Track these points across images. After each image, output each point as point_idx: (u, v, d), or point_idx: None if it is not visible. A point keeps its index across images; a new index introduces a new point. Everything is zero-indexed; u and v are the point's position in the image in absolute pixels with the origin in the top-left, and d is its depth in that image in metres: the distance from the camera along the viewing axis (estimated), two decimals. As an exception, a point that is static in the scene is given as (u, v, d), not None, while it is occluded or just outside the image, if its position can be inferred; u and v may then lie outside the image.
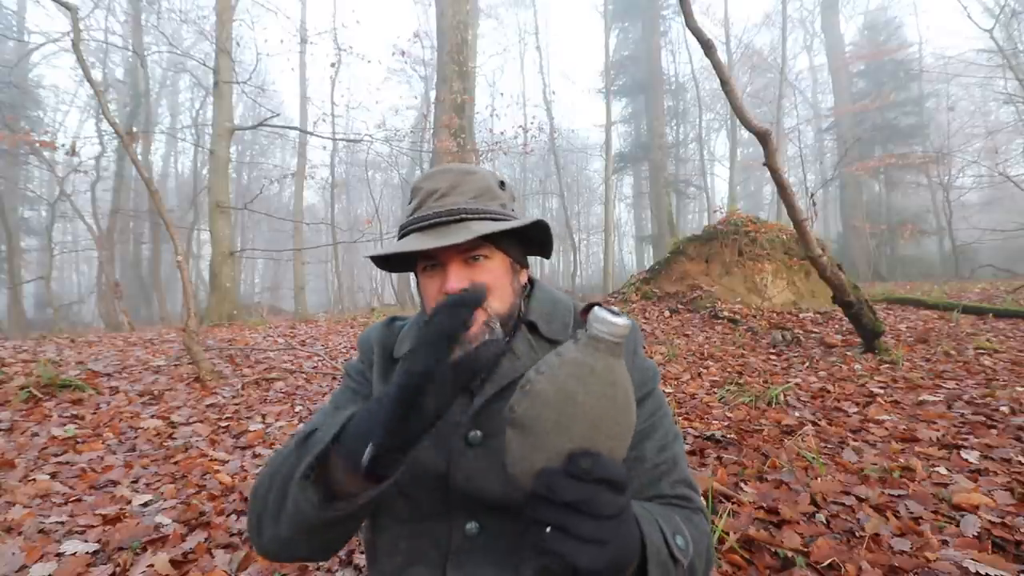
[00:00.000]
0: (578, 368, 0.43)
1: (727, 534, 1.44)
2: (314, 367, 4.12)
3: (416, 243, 0.67)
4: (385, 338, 0.84)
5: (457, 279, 0.69)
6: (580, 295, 14.06)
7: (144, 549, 1.51)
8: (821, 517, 1.54)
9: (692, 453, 2.12)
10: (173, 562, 1.43)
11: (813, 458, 1.95)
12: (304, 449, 0.57)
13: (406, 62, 16.70)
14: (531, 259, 0.85)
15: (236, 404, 3.18)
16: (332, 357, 4.46)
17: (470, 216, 0.69)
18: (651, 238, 18.94)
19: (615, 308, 0.45)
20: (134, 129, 12.41)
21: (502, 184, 0.77)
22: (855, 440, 2.17)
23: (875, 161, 15.68)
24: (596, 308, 0.45)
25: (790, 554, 1.36)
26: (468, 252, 0.70)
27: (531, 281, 0.83)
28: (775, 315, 5.72)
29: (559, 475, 0.43)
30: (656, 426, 0.75)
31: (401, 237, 0.73)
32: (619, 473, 0.44)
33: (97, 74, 14.98)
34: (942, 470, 1.81)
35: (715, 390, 3.15)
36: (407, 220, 0.73)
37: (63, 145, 9.82)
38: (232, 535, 1.61)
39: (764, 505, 1.64)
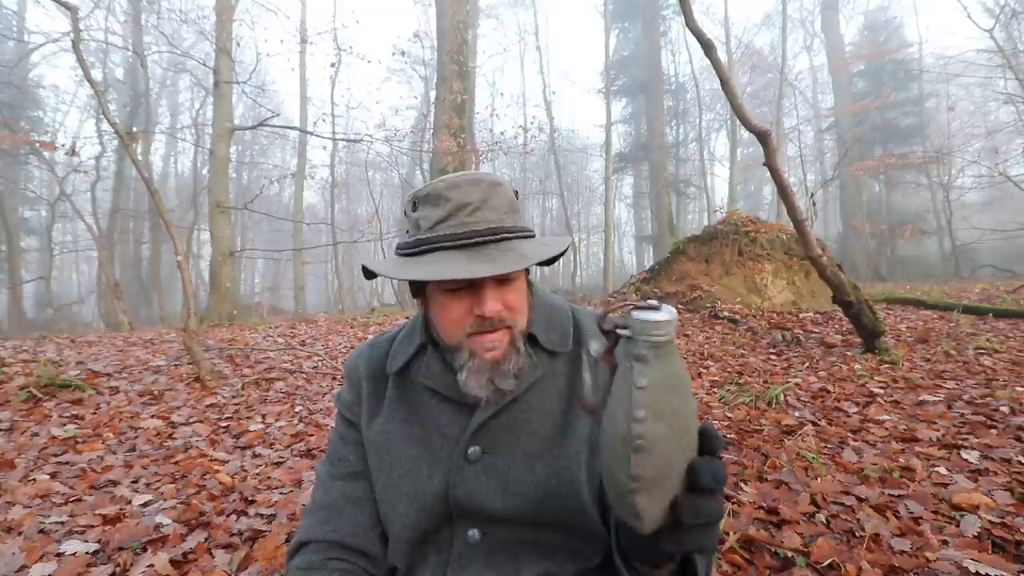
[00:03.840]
0: (664, 378, 0.41)
1: (727, 534, 1.44)
2: (314, 367, 4.12)
3: (463, 267, 0.62)
4: (372, 358, 0.81)
5: (495, 303, 0.65)
6: (580, 295, 14.05)
7: (144, 549, 1.51)
8: (821, 517, 1.54)
9: (692, 453, 2.12)
10: (173, 562, 1.43)
11: (813, 458, 1.95)
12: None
13: (406, 62, 16.70)
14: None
15: (236, 404, 3.18)
16: (332, 357, 4.46)
17: (511, 236, 0.66)
18: (651, 238, 18.94)
19: (652, 302, 0.42)
20: (134, 129, 12.42)
21: (516, 193, 0.74)
22: (855, 440, 2.17)
23: (875, 161, 15.66)
24: (638, 312, 0.41)
25: (790, 554, 1.36)
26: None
27: (530, 287, 0.79)
28: (775, 315, 5.72)
29: (703, 497, 0.42)
30: None
31: (424, 250, 0.66)
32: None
33: (97, 74, 14.98)
34: (942, 470, 1.81)
35: (715, 390, 3.15)
36: (436, 233, 0.65)
37: (63, 145, 9.83)
38: (232, 535, 1.61)
39: (764, 505, 1.64)
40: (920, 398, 2.69)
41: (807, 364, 3.68)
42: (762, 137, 3.56)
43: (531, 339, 0.75)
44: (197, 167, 18.62)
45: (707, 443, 0.43)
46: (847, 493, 1.68)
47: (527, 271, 0.73)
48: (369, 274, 0.69)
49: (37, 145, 10.99)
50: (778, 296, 6.42)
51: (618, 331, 0.43)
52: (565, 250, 0.68)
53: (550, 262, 0.74)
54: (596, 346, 0.48)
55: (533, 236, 0.70)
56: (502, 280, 0.67)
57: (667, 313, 0.40)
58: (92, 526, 1.64)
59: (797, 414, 2.57)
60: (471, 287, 0.66)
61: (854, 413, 2.53)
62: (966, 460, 1.89)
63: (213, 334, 6.01)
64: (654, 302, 0.42)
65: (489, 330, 0.67)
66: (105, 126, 13.92)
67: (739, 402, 2.80)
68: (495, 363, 0.68)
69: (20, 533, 1.59)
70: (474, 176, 0.69)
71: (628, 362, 0.42)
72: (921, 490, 1.67)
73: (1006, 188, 13.24)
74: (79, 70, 4.30)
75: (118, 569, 1.41)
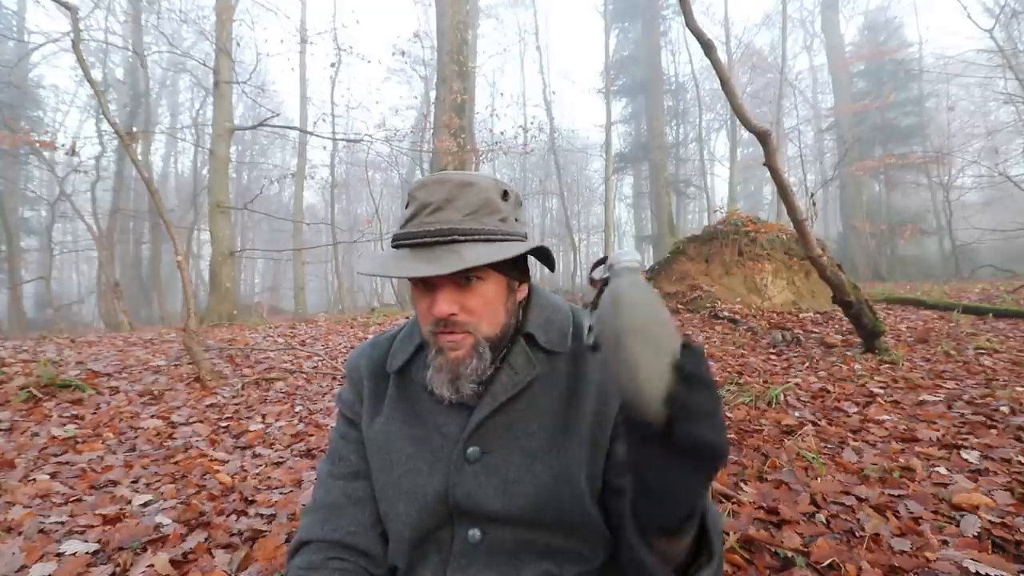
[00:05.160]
0: (637, 283, 0.49)
1: (727, 534, 1.44)
2: (314, 367, 4.12)
3: (403, 266, 0.65)
4: (373, 357, 0.82)
5: (447, 304, 0.66)
6: (580, 295, 14.05)
7: (144, 549, 1.51)
8: (821, 517, 1.54)
9: (692, 453, 2.12)
10: (173, 562, 1.43)
11: (813, 458, 1.95)
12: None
13: (406, 62, 16.72)
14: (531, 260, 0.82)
15: (236, 404, 3.18)
16: (332, 357, 4.46)
17: (462, 238, 0.65)
18: (651, 238, 18.94)
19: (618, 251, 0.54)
20: (134, 129, 12.42)
21: (505, 194, 0.71)
22: (855, 440, 2.17)
23: (875, 161, 15.66)
24: (612, 255, 0.53)
25: (790, 554, 1.36)
26: (460, 274, 0.66)
27: (530, 288, 0.79)
28: (775, 315, 5.72)
29: (691, 385, 0.43)
30: None
31: (393, 246, 0.70)
32: None
33: (97, 74, 14.98)
34: (942, 470, 1.81)
35: (715, 390, 3.14)
36: (399, 231, 0.69)
37: (63, 145, 9.82)
38: (232, 535, 1.61)
39: (764, 505, 1.64)
40: (920, 398, 2.69)
41: (807, 364, 3.68)
42: (762, 137, 3.56)
43: (530, 339, 0.75)
44: (197, 167, 18.62)
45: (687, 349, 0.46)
46: (847, 493, 1.68)
47: (508, 276, 0.72)
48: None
49: (37, 145, 10.97)
50: (778, 296, 6.42)
51: (604, 266, 0.55)
52: (520, 254, 0.66)
53: (548, 266, 0.74)
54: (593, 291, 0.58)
55: (504, 239, 0.68)
56: (460, 283, 0.67)
57: (634, 252, 0.53)
58: (92, 526, 1.64)
59: (797, 414, 2.57)
60: (431, 287, 0.68)
61: (854, 413, 2.53)
62: (966, 460, 1.89)
63: (213, 334, 6.01)
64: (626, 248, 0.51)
65: (445, 331, 0.68)
66: (105, 126, 13.93)
67: (739, 402, 2.80)
68: (456, 363, 0.68)
69: (20, 533, 1.59)
70: (445, 176, 0.69)
71: (612, 280, 0.51)
72: (921, 490, 1.67)
73: (1006, 188, 13.24)
74: (79, 70, 4.30)
75: (118, 569, 1.41)
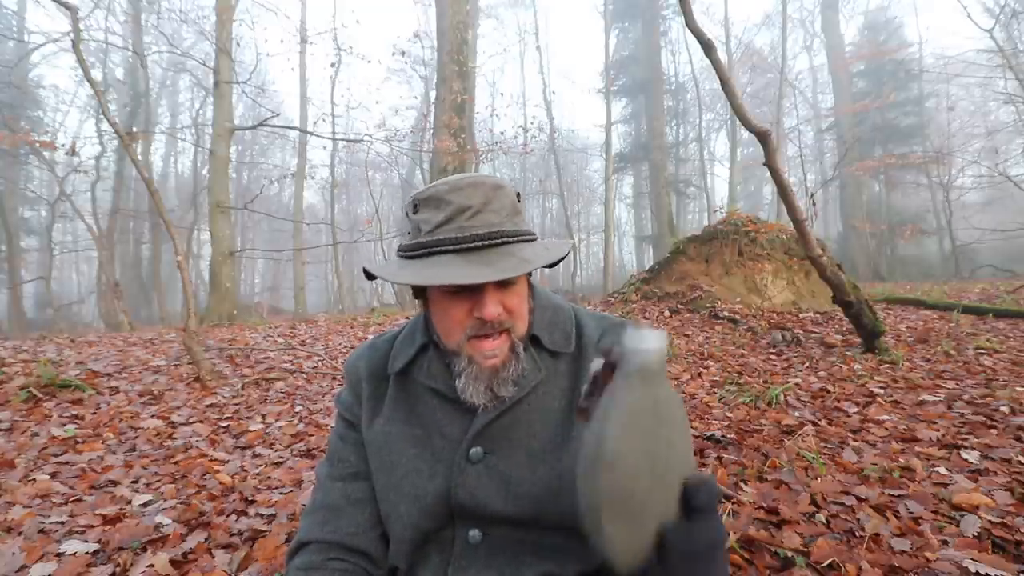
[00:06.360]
0: (643, 404, 0.40)
1: (727, 534, 1.44)
2: (314, 367, 4.12)
3: (460, 272, 0.61)
4: (372, 359, 0.81)
5: (495, 306, 0.65)
6: (580, 295, 14.05)
7: (144, 549, 1.51)
8: (821, 517, 1.54)
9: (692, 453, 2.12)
10: (173, 562, 1.43)
11: (813, 458, 1.95)
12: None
13: (406, 62, 16.70)
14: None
15: (236, 404, 3.18)
16: (332, 357, 4.46)
17: (511, 239, 0.65)
18: (651, 238, 18.95)
19: (645, 326, 0.41)
20: (134, 129, 12.42)
21: (519, 195, 0.73)
22: (855, 440, 2.17)
23: (875, 161, 15.67)
24: (629, 336, 0.41)
25: (790, 554, 1.36)
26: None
27: (532, 288, 0.80)
28: (775, 315, 5.72)
29: (695, 521, 0.42)
30: None
31: (424, 254, 0.66)
32: (715, 488, 0.45)
33: (97, 74, 14.98)
34: (942, 470, 1.81)
35: (715, 390, 3.15)
36: (436, 236, 0.65)
37: (63, 145, 9.82)
38: (232, 535, 1.61)
39: (764, 505, 1.63)
40: (920, 398, 2.69)
41: (807, 364, 3.68)
42: (762, 137, 3.56)
43: (534, 340, 0.75)
44: (197, 167, 18.62)
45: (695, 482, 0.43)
46: (847, 493, 1.68)
47: (528, 274, 0.72)
48: (370, 275, 0.69)
49: (37, 145, 10.98)
50: (778, 296, 6.42)
51: (613, 352, 0.44)
52: (567, 254, 0.68)
53: (552, 265, 0.74)
54: (596, 365, 0.48)
55: (534, 239, 0.70)
56: (502, 284, 0.67)
57: (655, 340, 0.41)
58: (92, 526, 1.64)
59: (797, 414, 2.57)
60: (471, 290, 0.66)
61: (854, 413, 2.53)
62: (966, 460, 1.89)
63: (213, 334, 6.01)
64: (647, 327, 0.42)
65: (489, 333, 0.67)
66: (105, 126, 13.92)
67: (739, 402, 2.80)
68: (494, 371, 0.68)
69: (20, 533, 1.59)
70: (476, 179, 0.68)
71: (618, 381, 0.42)
72: (921, 490, 1.67)
73: (1006, 188, 13.23)
74: (79, 70, 4.30)
75: (118, 569, 1.41)
